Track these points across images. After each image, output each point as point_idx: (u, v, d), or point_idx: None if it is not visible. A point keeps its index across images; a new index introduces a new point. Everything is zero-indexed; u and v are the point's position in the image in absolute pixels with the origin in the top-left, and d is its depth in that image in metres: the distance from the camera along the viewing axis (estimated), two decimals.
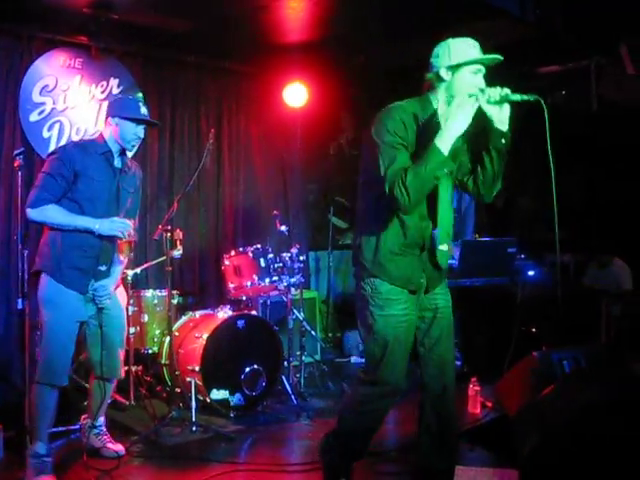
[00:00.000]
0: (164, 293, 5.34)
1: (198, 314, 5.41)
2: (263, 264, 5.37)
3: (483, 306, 6.08)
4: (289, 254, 5.56)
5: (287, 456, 4.01)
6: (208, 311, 5.44)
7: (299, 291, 5.82)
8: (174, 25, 5.88)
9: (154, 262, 5.43)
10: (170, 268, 4.79)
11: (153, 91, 6.52)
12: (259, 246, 5.46)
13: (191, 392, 4.79)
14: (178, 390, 5.07)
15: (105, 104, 6.12)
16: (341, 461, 3.42)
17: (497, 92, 3.01)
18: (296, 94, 7.06)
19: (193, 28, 5.91)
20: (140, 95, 4.52)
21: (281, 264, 5.46)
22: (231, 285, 5.50)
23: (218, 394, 4.90)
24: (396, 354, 3.19)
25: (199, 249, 6.79)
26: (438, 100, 3.17)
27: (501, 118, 3.07)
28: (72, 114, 5.94)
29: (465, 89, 3.06)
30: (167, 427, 4.65)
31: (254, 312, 5.53)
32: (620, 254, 7.61)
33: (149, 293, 5.45)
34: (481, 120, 3.12)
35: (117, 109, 3.96)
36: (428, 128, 3.11)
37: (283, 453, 4.29)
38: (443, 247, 3.20)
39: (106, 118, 3.99)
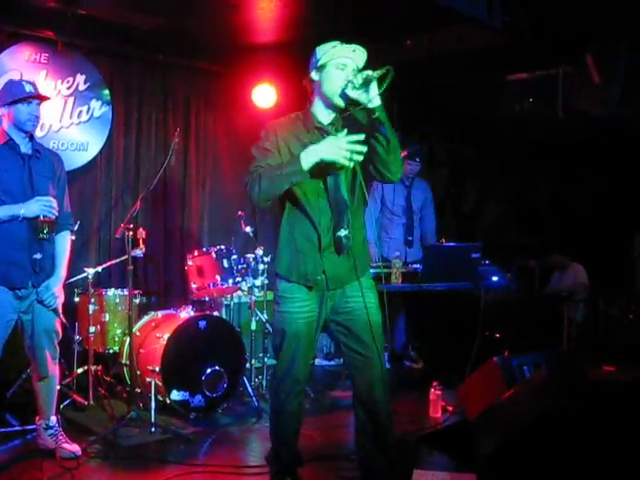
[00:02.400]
0: (126, 292, 5.28)
1: (160, 314, 5.36)
2: (226, 265, 5.34)
3: (446, 311, 6.11)
4: (253, 255, 5.54)
5: (246, 458, 3.98)
6: (170, 311, 5.39)
7: (263, 293, 5.79)
8: (142, 22, 5.82)
9: (116, 261, 5.36)
10: (132, 267, 4.74)
11: (120, 88, 6.47)
12: (223, 247, 5.43)
13: (151, 393, 4.75)
14: (138, 391, 5.02)
15: (71, 100, 6.11)
16: (282, 469, 3.49)
17: (359, 76, 3.12)
18: (265, 95, 7.04)
19: (162, 26, 5.86)
20: (20, 76, 4.44)
21: (245, 265, 5.44)
22: (194, 285, 5.46)
23: (178, 395, 4.86)
24: (292, 349, 3.35)
25: (164, 248, 6.73)
26: (316, 104, 3.35)
27: (370, 97, 3.14)
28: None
29: (333, 84, 3.23)
30: (126, 428, 4.59)
31: (216, 313, 5.49)
32: (584, 260, 7.71)
33: (110, 292, 5.38)
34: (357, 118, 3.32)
35: (3, 97, 3.93)
36: (307, 130, 3.33)
37: (242, 455, 4.27)
38: (341, 232, 3.29)
39: None
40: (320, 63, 3.26)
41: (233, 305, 5.95)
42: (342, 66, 3.23)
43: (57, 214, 3.89)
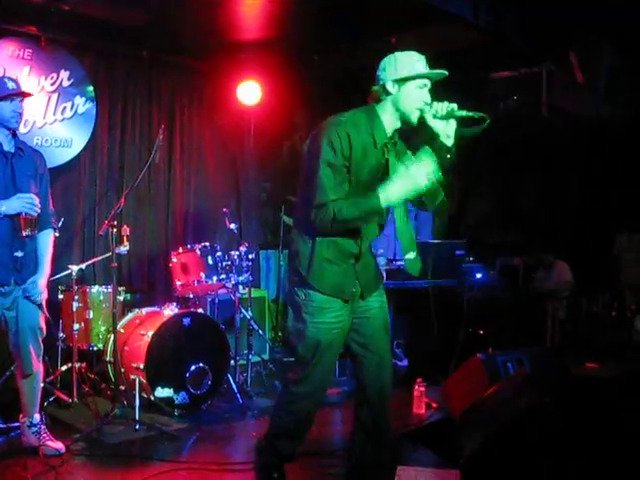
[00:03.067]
0: (110, 289, 5.26)
1: (144, 311, 5.35)
2: (211, 262, 5.33)
3: (430, 308, 6.13)
4: (238, 252, 5.54)
5: (230, 455, 3.99)
6: (155, 308, 5.38)
7: (247, 290, 5.79)
8: (127, 18, 5.79)
9: (100, 258, 5.35)
10: (115, 264, 4.73)
11: (104, 85, 6.44)
12: (207, 244, 5.43)
13: (135, 390, 4.74)
14: (122, 388, 5.01)
15: (55, 97, 6.07)
16: (274, 462, 3.47)
17: (444, 107, 3.09)
18: (250, 92, 7.03)
19: (147, 22, 5.84)
20: (3, 72, 4.37)
21: (229, 262, 5.44)
22: (178, 283, 5.45)
23: (162, 392, 4.85)
24: (325, 358, 3.28)
25: (148, 246, 6.72)
26: (384, 112, 3.22)
27: (447, 132, 3.13)
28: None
29: (411, 103, 3.14)
30: (110, 425, 4.58)
31: (200, 310, 5.48)
32: (567, 258, 7.76)
33: (95, 289, 5.37)
34: (426, 135, 3.21)
35: None
36: (374, 142, 3.19)
37: (226, 452, 4.27)
38: (409, 255, 3.29)
39: None
40: (401, 77, 3.14)
41: (217, 302, 5.94)
42: (422, 85, 3.16)
43: (39, 211, 3.86)
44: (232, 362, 5.46)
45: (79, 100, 6.21)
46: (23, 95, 3.98)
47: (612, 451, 3.26)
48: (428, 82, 3.18)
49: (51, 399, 4.98)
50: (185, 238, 6.86)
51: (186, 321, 5.05)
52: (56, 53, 6.05)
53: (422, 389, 5.06)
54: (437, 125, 3.13)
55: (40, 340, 4.05)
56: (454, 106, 3.10)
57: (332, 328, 3.26)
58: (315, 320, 3.25)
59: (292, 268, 3.35)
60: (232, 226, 5.64)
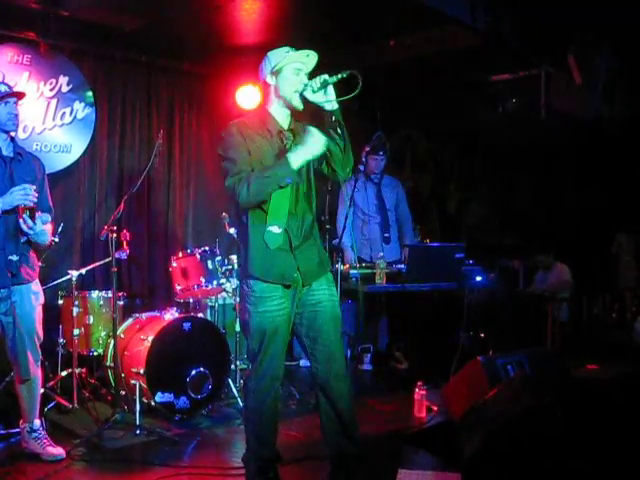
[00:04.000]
0: (110, 294, 5.26)
1: (144, 316, 5.34)
2: (210, 266, 5.33)
3: (430, 311, 6.13)
4: (237, 257, 5.52)
5: (231, 459, 3.98)
6: (155, 313, 5.37)
7: None
8: (126, 23, 5.82)
9: (100, 263, 5.34)
10: (115, 269, 4.73)
11: (103, 90, 6.45)
12: (207, 248, 5.42)
13: (135, 395, 4.73)
14: (123, 393, 5.00)
15: (54, 102, 6.08)
16: (263, 465, 3.51)
17: (317, 80, 3.29)
18: (248, 96, 7.02)
19: (145, 27, 5.85)
20: (2, 77, 4.35)
21: (229, 267, 5.43)
22: (178, 287, 5.45)
23: (163, 397, 4.84)
24: (272, 347, 3.41)
25: (148, 250, 6.72)
26: (271, 105, 3.46)
27: (328, 99, 3.32)
28: (20, 111, 5.80)
29: (289, 88, 3.37)
30: (111, 430, 4.57)
31: (201, 314, 5.48)
32: (567, 260, 7.76)
33: (94, 294, 5.36)
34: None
35: None
36: (269, 132, 3.42)
37: (227, 456, 4.26)
38: (272, 228, 3.36)
39: None
40: (276, 68, 3.38)
41: (217, 306, 5.94)
42: (297, 71, 3.37)
43: (35, 200, 3.79)
44: (232, 366, 5.45)
45: (78, 105, 6.22)
46: (16, 96, 3.97)
47: (613, 452, 3.27)
48: (302, 67, 3.38)
49: (51, 404, 4.97)
50: (185, 243, 6.87)
51: (186, 326, 5.04)
52: (55, 59, 6.06)
53: (423, 392, 5.05)
54: (318, 98, 3.32)
55: (38, 345, 4.05)
56: (325, 76, 3.27)
57: (275, 316, 3.38)
58: (258, 310, 3.39)
59: (239, 263, 3.53)
60: (231, 230, 5.63)
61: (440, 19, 5.67)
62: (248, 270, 3.41)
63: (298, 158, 3.24)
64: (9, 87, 3.94)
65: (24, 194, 3.74)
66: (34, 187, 3.79)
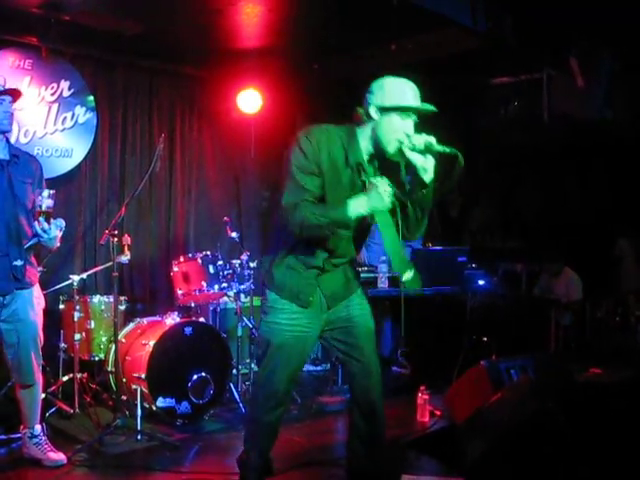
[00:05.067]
0: (111, 299, 5.24)
1: (146, 321, 5.33)
2: (212, 271, 5.31)
3: (433, 315, 6.11)
4: (239, 261, 5.52)
5: (233, 464, 3.92)
6: (156, 318, 5.37)
7: (249, 298, 5.77)
8: (126, 27, 5.80)
9: (101, 267, 5.33)
10: (117, 274, 4.71)
11: (105, 94, 6.45)
12: (208, 252, 5.41)
13: (137, 400, 4.71)
14: (124, 398, 4.99)
15: (55, 107, 6.07)
16: (250, 476, 3.46)
17: (422, 140, 3.01)
18: (250, 100, 7.03)
19: (146, 31, 5.85)
20: (4, 82, 4.29)
21: (231, 271, 5.42)
22: (180, 292, 5.44)
23: (164, 402, 4.83)
24: (275, 360, 3.29)
25: (149, 255, 6.71)
26: (363, 135, 3.16)
27: (425, 167, 3.04)
28: (21, 116, 5.79)
29: (391, 133, 3.07)
30: (112, 435, 4.55)
31: (202, 319, 5.46)
32: (570, 264, 7.73)
33: (96, 299, 5.35)
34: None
35: None
36: (347, 160, 3.14)
37: (229, 461, 4.20)
38: (407, 276, 3.13)
39: None
40: (386, 105, 3.07)
41: (219, 311, 5.93)
42: (406, 117, 3.08)
43: (52, 204, 3.75)
44: (234, 371, 5.44)
45: (79, 110, 6.22)
46: (11, 94, 3.91)
47: (617, 456, 3.25)
48: (413, 117, 3.12)
49: (52, 410, 4.96)
50: (186, 247, 6.86)
51: (188, 330, 5.03)
52: (56, 63, 6.06)
53: (426, 397, 5.04)
54: (416, 159, 3.03)
55: (40, 349, 4.03)
56: (432, 139, 3.01)
57: (284, 330, 3.26)
58: (268, 319, 3.31)
59: (258, 274, 3.45)
60: (233, 235, 5.63)
61: (441, 22, 5.65)
62: (268, 280, 3.32)
63: (358, 209, 2.97)
64: (2, 86, 3.90)
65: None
66: (52, 192, 3.77)
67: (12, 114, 3.90)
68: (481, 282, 5.86)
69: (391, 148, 3.08)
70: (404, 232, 3.20)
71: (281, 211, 3.08)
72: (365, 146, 3.17)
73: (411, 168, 3.08)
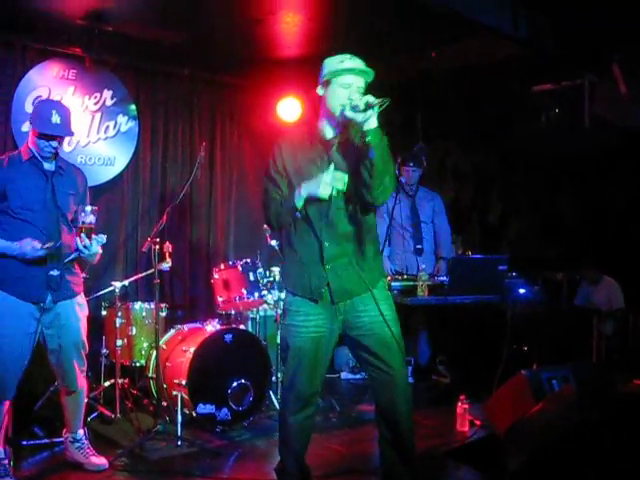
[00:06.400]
0: (152, 306, 5.30)
1: (186, 327, 5.37)
2: (252, 278, 5.34)
3: (473, 324, 6.05)
4: (279, 269, 5.53)
5: (271, 472, 3.94)
6: (196, 325, 5.41)
7: None
8: (168, 37, 5.89)
9: (143, 274, 5.40)
10: (158, 281, 4.77)
11: (146, 103, 6.54)
12: (248, 260, 5.44)
13: (177, 406, 4.75)
14: (164, 404, 5.04)
15: (98, 116, 6.17)
16: (288, 478, 3.50)
17: (361, 100, 3.17)
18: (290, 108, 7.06)
19: (187, 40, 5.92)
20: (56, 102, 4.24)
21: (271, 278, 5.44)
22: (220, 299, 5.47)
23: (204, 408, 4.86)
24: (296, 362, 3.36)
25: (190, 262, 6.77)
26: (321, 115, 3.41)
27: (367, 118, 3.17)
28: None
29: (335, 101, 3.28)
30: (152, 441, 4.61)
31: (242, 326, 5.49)
32: (611, 272, 7.62)
33: (137, 306, 5.42)
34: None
35: (32, 117, 3.89)
36: (310, 142, 3.41)
37: (268, 469, 4.21)
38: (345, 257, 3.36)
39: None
40: (326, 78, 3.33)
41: (259, 318, 5.95)
42: (347, 85, 3.28)
43: (94, 220, 3.78)
44: (274, 378, 5.45)
45: (122, 119, 6.32)
46: (62, 138, 3.93)
47: None
48: (354, 81, 3.29)
49: (94, 414, 5.03)
50: (226, 254, 6.91)
51: (228, 337, 5.05)
52: (99, 73, 6.17)
53: (465, 406, 4.99)
54: (358, 117, 3.17)
55: (84, 355, 4.07)
56: (369, 98, 3.16)
57: (300, 331, 3.34)
58: (285, 322, 3.43)
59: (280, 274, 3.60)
60: (273, 242, 5.64)
61: (481, 29, 5.62)
62: (283, 281, 3.56)
63: (302, 194, 3.24)
64: (60, 123, 3.81)
65: (33, 249, 3.70)
66: (95, 207, 3.80)
67: (56, 148, 3.87)
68: (522, 291, 5.78)
69: (338, 117, 3.28)
70: (364, 196, 3.32)
71: (264, 211, 3.44)
72: (325, 126, 3.39)
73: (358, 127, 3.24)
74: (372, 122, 3.17)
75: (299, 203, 3.25)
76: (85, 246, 3.76)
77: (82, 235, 3.74)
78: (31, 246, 3.70)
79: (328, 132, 3.40)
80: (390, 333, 3.35)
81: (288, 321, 3.40)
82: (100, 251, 3.92)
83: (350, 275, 3.35)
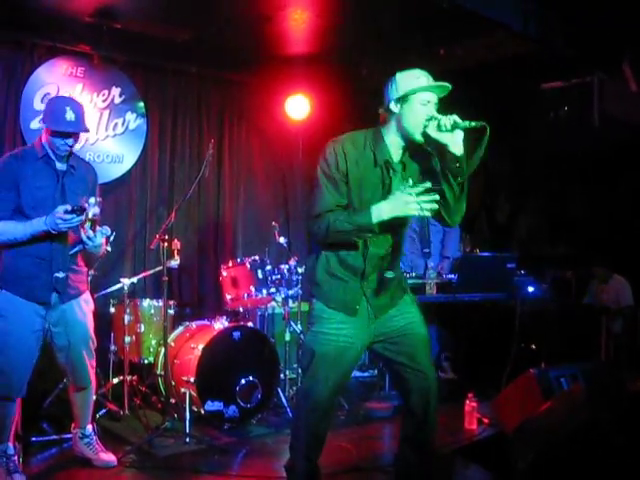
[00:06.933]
0: (161, 303, 5.30)
1: (195, 325, 5.38)
2: (260, 275, 5.34)
3: (481, 321, 6.04)
4: (287, 266, 5.53)
5: (280, 469, 3.93)
6: (205, 322, 5.41)
7: (297, 303, 5.78)
8: (176, 35, 5.89)
9: (151, 272, 5.40)
10: (166, 278, 4.77)
11: (155, 101, 6.55)
12: (257, 257, 5.44)
13: (185, 403, 4.76)
14: (173, 401, 5.04)
15: (106, 113, 6.18)
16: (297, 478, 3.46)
17: (446, 119, 3.05)
18: (298, 106, 7.06)
19: (195, 38, 5.92)
20: (69, 98, 4.18)
21: (279, 276, 5.43)
22: (228, 296, 5.48)
23: (212, 406, 4.86)
24: (319, 370, 3.27)
25: (198, 260, 6.78)
26: (389, 132, 3.22)
27: (454, 142, 3.08)
28: None
29: (415, 120, 3.12)
30: (161, 438, 4.61)
31: (251, 324, 5.49)
32: (620, 270, 7.59)
33: (145, 303, 5.42)
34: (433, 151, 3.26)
35: (45, 114, 3.83)
36: (375, 161, 3.20)
37: (276, 466, 4.22)
38: (388, 274, 3.29)
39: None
40: (402, 94, 3.12)
41: (267, 316, 5.96)
42: (426, 102, 3.12)
43: (98, 211, 3.68)
44: (282, 376, 5.45)
45: (130, 116, 6.32)
46: (77, 134, 3.86)
47: None
48: (432, 98, 3.14)
49: (103, 411, 5.04)
50: (234, 252, 6.91)
51: (236, 335, 5.06)
52: (107, 70, 6.17)
53: (474, 404, 4.99)
54: (444, 138, 3.08)
55: (93, 350, 4.07)
56: (456, 117, 3.06)
57: (330, 340, 3.25)
58: (314, 329, 3.31)
59: (303, 280, 3.44)
60: (281, 240, 5.64)
61: (490, 26, 5.61)
62: (313, 290, 3.34)
63: (381, 214, 3.02)
64: (75, 120, 3.76)
65: (65, 221, 3.59)
66: (99, 199, 3.73)
67: (71, 146, 3.83)
68: (530, 289, 5.77)
69: (418, 134, 3.13)
70: (445, 218, 3.26)
71: (309, 220, 3.19)
72: (394, 142, 3.22)
73: (441, 148, 3.12)
74: (461, 146, 3.08)
75: (376, 222, 3.04)
76: (89, 237, 3.69)
77: (86, 226, 3.67)
78: (59, 214, 3.59)
79: (394, 151, 3.23)
80: (421, 332, 3.36)
81: (317, 328, 3.29)
82: (104, 242, 3.87)
83: (386, 289, 3.32)
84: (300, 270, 5.58)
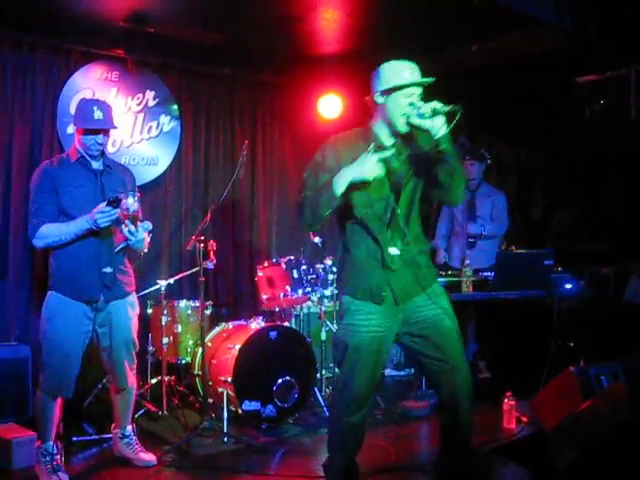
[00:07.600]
0: (197, 304, 5.34)
1: (231, 325, 5.41)
2: (296, 275, 5.37)
3: (519, 319, 5.99)
4: (322, 265, 5.55)
5: (318, 468, 3.95)
6: (241, 322, 5.44)
7: (332, 303, 5.79)
8: (208, 37, 5.92)
9: (187, 272, 5.44)
10: (203, 279, 4.82)
11: (188, 103, 6.59)
12: (292, 257, 5.47)
13: (223, 403, 4.79)
14: (210, 401, 5.08)
15: (141, 116, 6.24)
16: (335, 476, 3.48)
17: (427, 107, 3.12)
18: (331, 105, 7.05)
19: (227, 40, 5.95)
20: (96, 99, 4.37)
21: (314, 275, 5.46)
22: (264, 296, 5.50)
23: (250, 405, 4.89)
24: (353, 362, 3.31)
25: (234, 260, 6.81)
26: (377, 123, 3.35)
27: (434, 126, 3.14)
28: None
29: (399, 109, 3.22)
30: (199, 437, 4.66)
31: (287, 323, 5.52)
32: None
33: (182, 303, 5.47)
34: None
35: (75, 116, 3.95)
36: (368, 148, 3.24)
37: (314, 465, 4.24)
38: (392, 250, 3.31)
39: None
40: (386, 87, 3.25)
41: (303, 315, 5.97)
42: (409, 95, 3.21)
43: (137, 207, 3.74)
44: (319, 375, 5.47)
45: (164, 119, 6.37)
46: (106, 130, 3.95)
47: None
48: (415, 90, 3.23)
49: (141, 411, 5.09)
50: (269, 252, 6.93)
51: (273, 334, 5.08)
52: (141, 74, 6.22)
53: (512, 403, 4.94)
54: (425, 124, 3.14)
55: (134, 354, 4.14)
56: (435, 104, 3.12)
57: (360, 331, 3.29)
58: (344, 322, 3.37)
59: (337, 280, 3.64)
60: (316, 239, 5.66)
61: (524, 21, 5.56)
62: (340, 284, 3.49)
63: (339, 181, 3.14)
64: (103, 117, 3.87)
65: (104, 215, 3.69)
66: (138, 194, 3.79)
67: (102, 144, 3.93)
68: (568, 286, 5.70)
69: (401, 124, 3.24)
70: (444, 197, 3.38)
71: (298, 215, 3.34)
72: (382, 131, 3.33)
73: (425, 132, 3.20)
74: (442, 128, 3.13)
75: (338, 191, 3.15)
76: (131, 232, 3.74)
77: (127, 222, 3.73)
78: (98, 211, 3.69)
79: (386, 139, 3.34)
80: (450, 324, 3.36)
81: (347, 321, 3.35)
82: (147, 237, 3.94)
83: (411, 275, 3.34)
84: (335, 269, 5.58)
